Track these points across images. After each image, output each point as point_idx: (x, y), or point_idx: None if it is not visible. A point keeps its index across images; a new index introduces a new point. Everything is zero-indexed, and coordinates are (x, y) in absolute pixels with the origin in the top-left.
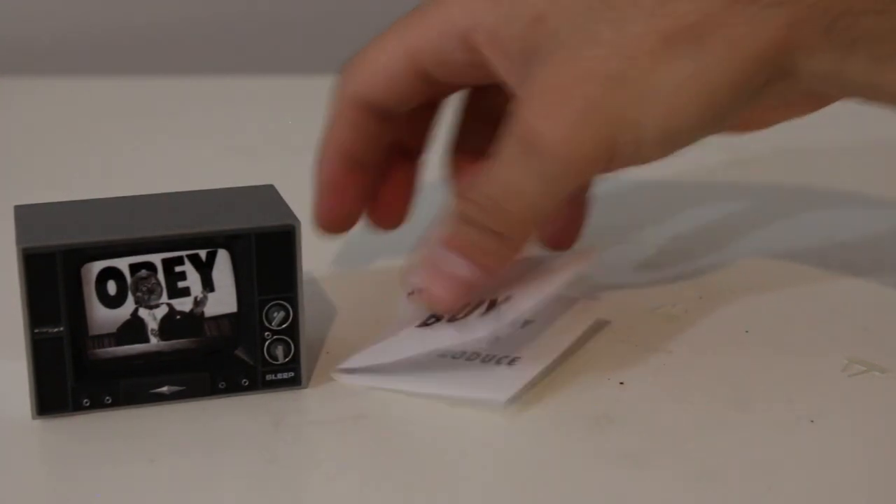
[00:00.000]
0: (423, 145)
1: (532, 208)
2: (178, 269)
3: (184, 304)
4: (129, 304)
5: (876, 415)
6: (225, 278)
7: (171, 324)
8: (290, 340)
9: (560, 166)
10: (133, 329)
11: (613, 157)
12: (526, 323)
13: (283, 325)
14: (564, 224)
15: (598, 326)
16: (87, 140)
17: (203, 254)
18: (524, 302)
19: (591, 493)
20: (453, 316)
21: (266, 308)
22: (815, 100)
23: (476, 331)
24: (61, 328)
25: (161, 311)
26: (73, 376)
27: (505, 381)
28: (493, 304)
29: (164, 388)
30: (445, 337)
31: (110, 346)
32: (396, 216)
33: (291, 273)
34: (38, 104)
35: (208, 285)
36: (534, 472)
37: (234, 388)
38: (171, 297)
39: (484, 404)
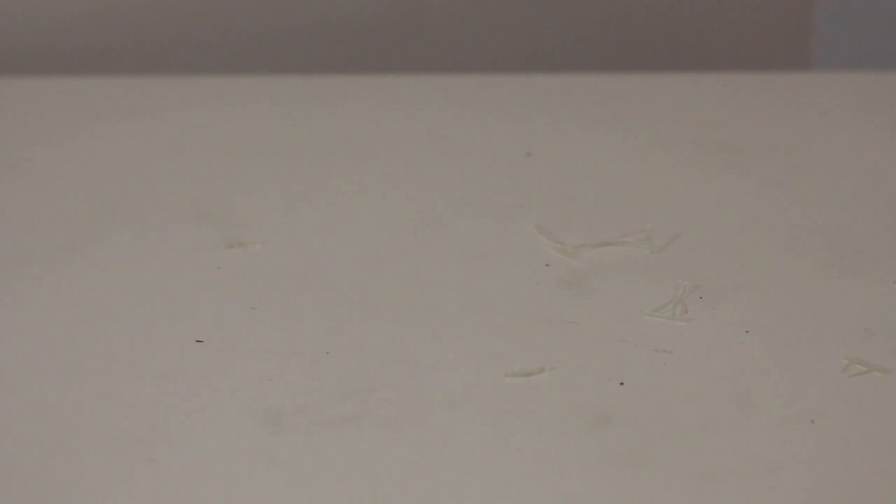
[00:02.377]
0: None
1: None
2: None
3: None
4: None
5: (876, 415)
6: None
7: None
8: None
9: None
10: None
11: None
12: None
13: None
14: None
15: (599, 326)
16: (87, 140)
17: None
18: None
19: (592, 493)
20: None
21: None
22: None
23: None
24: None
25: None
26: None
27: None
28: None
29: None
30: None
31: None
32: None
33: None
34: (38, 104)
35: None
36: (534, 472)
37: None
38: None
39: None
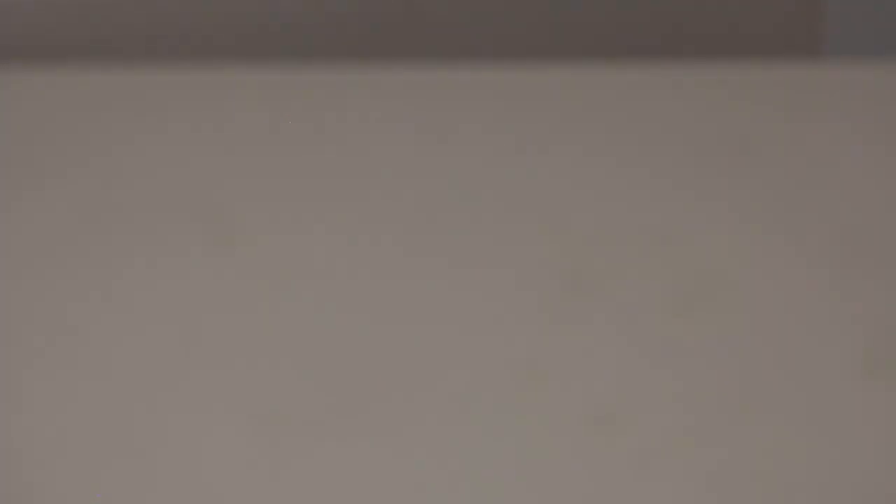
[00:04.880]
0: None
1: None
2: None
3: None
4: None
5: (880, 415)
6: None
7: None
8: None
9: None
10: None
11: None
12: None
13: None
14: None
15: (599, 326)
16: (82, 136)
17: None
18: None
19: (592, 493)
20: None
21: None
22: None
23: None
24: None
25: None
26: None
27: None
28: None
29: None
30: None
31: None
32: None
33: None
34: (32, 98)
35: None
36: (533, 473)
37: None
38: None
39: None
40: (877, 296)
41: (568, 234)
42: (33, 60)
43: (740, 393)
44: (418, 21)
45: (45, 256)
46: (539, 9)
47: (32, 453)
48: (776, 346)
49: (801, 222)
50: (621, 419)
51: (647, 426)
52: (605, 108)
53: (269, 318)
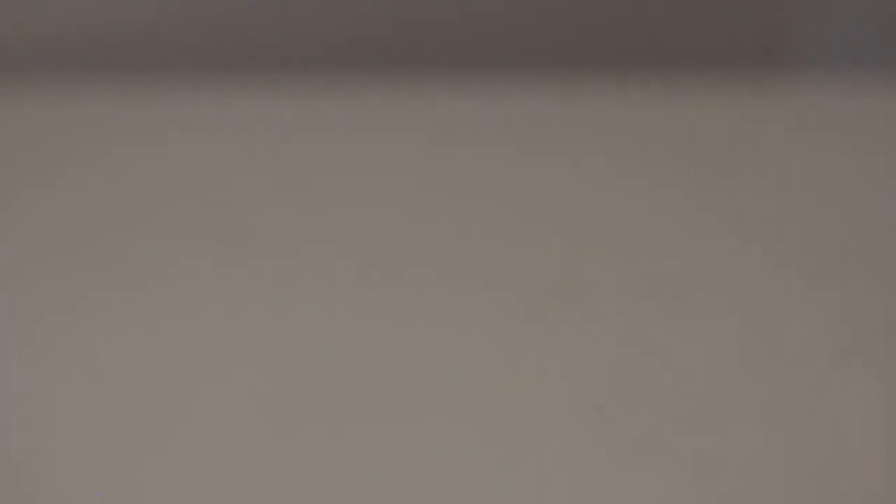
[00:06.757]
0: None
1: None
2: None
3: None
4: None
5: (876, 415)
6: None
7: None
8: None
9: None
10: None
11: None
12: None
13: None
14: None
15: (597, 326)
16: (91, 143)
17: None
18: None
19: (587, 489)
20: None
21: None
22: None
23: None
24: None
25: None
26: None
27: None
28: None
29: None
30: None
31: None
32: None
33: None
34: (49, 108)
35: None
36: (529, 468)
37: None
38: None
39: None
40: (851, 296)
41: (560, 237)
42: (44, 72)
43: (724, 387)
44: (420, 34)
45: (54, 256)
46: (528, 25)
47: (37, 454)
48: (757, 342)
49: (779, 226)
50: (610, 413)
51: (634, 419)
52: (591, 118)
53: (277, 318)
